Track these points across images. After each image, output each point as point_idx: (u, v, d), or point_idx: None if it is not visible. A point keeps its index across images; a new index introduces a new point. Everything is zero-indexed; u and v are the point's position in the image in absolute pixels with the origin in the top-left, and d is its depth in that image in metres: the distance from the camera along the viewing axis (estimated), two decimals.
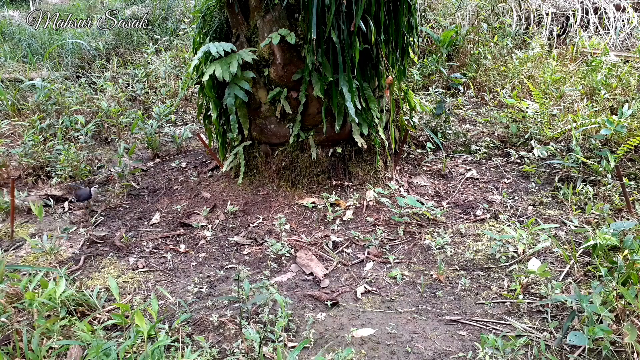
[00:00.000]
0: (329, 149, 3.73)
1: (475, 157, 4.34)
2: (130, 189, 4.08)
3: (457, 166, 4.21)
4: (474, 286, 2.67)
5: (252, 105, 3.71)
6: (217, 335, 2.36)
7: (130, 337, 2.07)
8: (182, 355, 2.09)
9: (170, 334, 2.33)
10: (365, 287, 2.70)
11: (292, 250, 3.09)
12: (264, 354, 2.17)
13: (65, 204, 3.83)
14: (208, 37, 3.83)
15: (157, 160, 4.71)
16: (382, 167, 3.89)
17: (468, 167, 4.17)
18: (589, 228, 3.06)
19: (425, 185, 3.89)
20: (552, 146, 4.09)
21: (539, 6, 6.72)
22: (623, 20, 6.37)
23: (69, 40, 7.13)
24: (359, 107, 3.53)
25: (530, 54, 5.63)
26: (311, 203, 3.58)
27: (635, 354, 2.03)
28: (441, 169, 4.12)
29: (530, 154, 4.20)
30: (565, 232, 3.12)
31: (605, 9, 6.47)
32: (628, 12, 6.35)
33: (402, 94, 4.11)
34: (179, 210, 3.68)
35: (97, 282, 2.83)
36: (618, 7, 6.49)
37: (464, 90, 5.80)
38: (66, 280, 2.65)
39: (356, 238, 3.19)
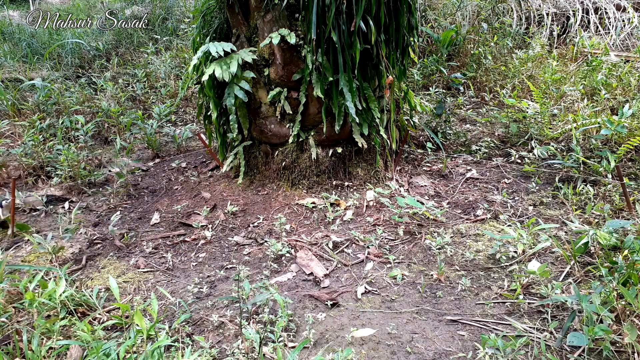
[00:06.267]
0: (329, 149, 3.73)
1: (476, 157, 4.34)
2: (130, 189, 4.08)
3: (457, 166, 4.21)
4: (474, 286, 2.67)
5: (252, 105, 3.71)
6: (217, 335, 2.35)
7: (130, 337, 2.07)
8: (182, 355, 2.09)
9: (170, 334, 2.33)
10: (365, 287, 2.70)
11: (292, 250, 3.09)
12: (264, 354, 2.17)
13: (66, 204, 3.83)
14: (208, 37, 3.83)
15: (157, 160, 4.70)
16: (382, 167, 3.89)
17: (468, 167, 4.17)
18: (590, 228, 3.05)
19: (425, 185, 3.88)
20: (553, 146, 4.08)
21: (539, 6, 6.71)
22: (623, 20, 6.37)
23: (69, 40, 7.12)
24: (359, 107, 3.53)
25: (530, 54, 5.63)
26: (311, 203, 3.58)
27: (635, 354, 2.03)
28: (441, 169, 4.12)
29: (531, 154, 4.20)
30: (566, 232, 3.11)
31: (605, 8, 6.46)
32: (628, 12, 6.35)
33: (403, 94, 4.11)
34: (179, 210, 3.68)
35: (97, 282, 2.83)
36: (618, 7, 6.49)
37: (464, 90, 5.80)
38: (66, 280, 2.65)
39: (356, 238, 3.19)
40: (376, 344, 2.26)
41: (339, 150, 3.72)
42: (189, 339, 2.31)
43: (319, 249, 3.11)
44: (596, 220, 3.17)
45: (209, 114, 3.98)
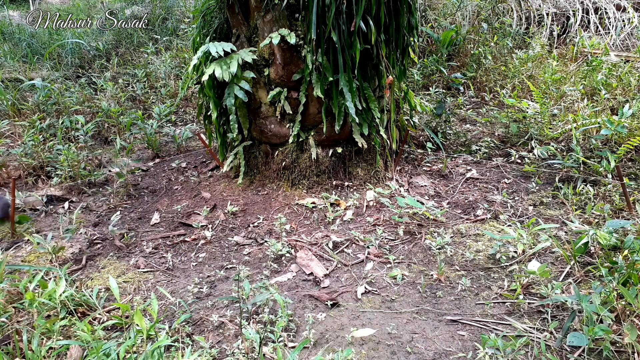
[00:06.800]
0: (329, 149, 3.73)
1: (476, 157, 4.34)
2: (130, 189, 4.08)
3: (457, 166, 4.21)
4: (475, 286, 2.67)
5: (252, 105, 3.71)
6: (217, 335, 2.35)
7: (130, 337, 2.07)
8: (182, 355, 2.09)
9: (170, 334, 2.33)
10: (365, 287, 2.70)
11: (292, 250, 3.09)
12: (264, 354, 2.17)
13: (66, 204, 3.83)
14: (208, 37, 3.83)
15: (157, 160, 4.71)
16: (382, 167, 3.89)
17: (468, 167, 4.17)
18: (590, 228, 3.05)
19: (425, 185, 3.88)
20: (553, 146, 4.08)
21: (539, 6, 6.71)
22: (623, 20, 6.37)
23: (69, 40, 7.12)
24: (360, 107, 3.53)
25: (530, 53, 5.63)
26: (311, 203, 3.58)
27: (635, 354, 2.03)
28: (441, 169, 4.12)
29: (531, 154, 4.20)
30: (566, 232, 3.11)
31: (605, 8, 6.46)
32: (628, 12, 6.35)
33: (403, 94, 4.11)
34: (179, 210, 3.68)
35: (97, 282, 2.83)
36: (618, 7, 6.49)
37: (464, 90, 5.80)
38: (66, 280, 2.65)
39: (356, 238, 3.19)
40: (376, 344, 2.26)
41: (339, 150, 3.72)
42: (189, 339, 2.31)
43: (319, 249, 3.11)
44: (596, 220, 3.17)
45: (209, 114, 3.98)
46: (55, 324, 2.24)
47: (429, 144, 4.42)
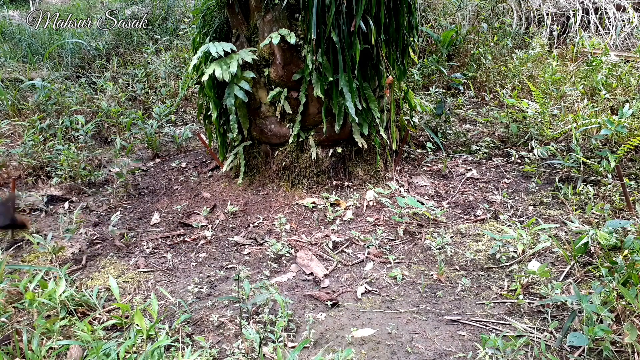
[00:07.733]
0: (329, 149, 3.73)
1: (476, 157, 4.34)
2: (130, 189, 4.08)
3: (457, 166, 4.21)
4: (475, 286, 2.67)
5: (252, 105, 3.71)
6: (217, 335, 2.35)
7: (130, 337, 2.07)
8: (182, 355, 2.09)
9: (170, 334, 2.33)
10: (365, 287, 2.70)
11: (292, 250, 3.08)
12: (264, 354, 2.17)
13: (66, 204, 3.83)
14: (208, 37, 3.83)
15: (157, 160, 4.70)
16: (382, 167, 3.89)
17: (468, 167, 4.17)
18: (590, 228, 3.05)
19: (425, 185, 3.88)
20: (553, 146, 4.08)
21: (539, 6, 6.71)
22: (623, 20, 6.37)
23: (69, 40, 7.12)
24: (360, 107, 3.53)
25: (530, 53, 5.63)
26: (311, 203, 3.58)
27: (635, 354, 2.03)
28: (441, 169, 4.12)
29: (531, 154, 4.20)
30: (566, 232, 3.11)
31: (605, 8, 6.46)
32: (628, 12, 6.35)
33: (403, 94, 4.11)
34: (179, 210, 3.68)
35: (97, 282, 2.83)
36: (618, 7, 6.49)
37: (464, 90, 5.80)
38: (66, 280, 2.65)
39: (356, 238, 3.19)
40: (376, 344, 2.26)
41: (339, 150, 3.72)
42: (189, 339, 2.31)
43: (319, 249, 3.11)
44: (596, 220, 3.17)
45: (209, 114, 3.98)
46: (55, 324, 2.24)
47: (429, 144, 4.42)
